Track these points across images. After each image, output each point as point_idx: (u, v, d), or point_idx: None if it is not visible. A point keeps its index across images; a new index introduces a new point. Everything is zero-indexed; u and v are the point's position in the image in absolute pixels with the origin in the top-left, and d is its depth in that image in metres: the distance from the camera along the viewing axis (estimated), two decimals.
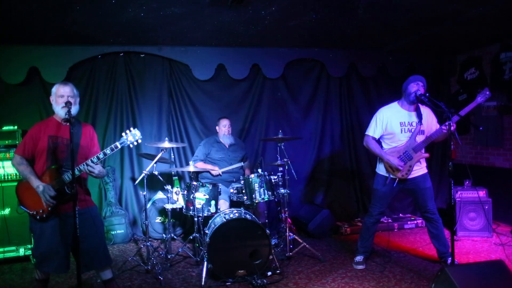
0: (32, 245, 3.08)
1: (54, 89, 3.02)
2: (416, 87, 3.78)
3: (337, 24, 4.55)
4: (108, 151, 2.91)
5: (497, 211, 5.20)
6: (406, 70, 6.00)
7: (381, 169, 4.02)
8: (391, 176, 3.90)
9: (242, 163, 4.97)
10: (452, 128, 3.38)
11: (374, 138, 3.99)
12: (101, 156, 2.91)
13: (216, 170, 4.80)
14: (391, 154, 3.88)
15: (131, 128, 3.00)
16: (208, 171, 4.87)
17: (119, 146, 2.92)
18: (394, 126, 3.88)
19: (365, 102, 6.12)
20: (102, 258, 3.11)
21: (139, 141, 2.99)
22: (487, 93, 3.66)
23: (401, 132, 3.88)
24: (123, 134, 2.98)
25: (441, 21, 4.51)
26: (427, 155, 3.90)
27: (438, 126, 3.91)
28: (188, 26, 4.46)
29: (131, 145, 2.99)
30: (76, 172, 2.89)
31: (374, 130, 3.97)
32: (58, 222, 2.94)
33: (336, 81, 6.04)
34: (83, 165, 2.90)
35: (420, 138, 3.87)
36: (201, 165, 4.86)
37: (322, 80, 6.02)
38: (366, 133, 4.05)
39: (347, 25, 4.57)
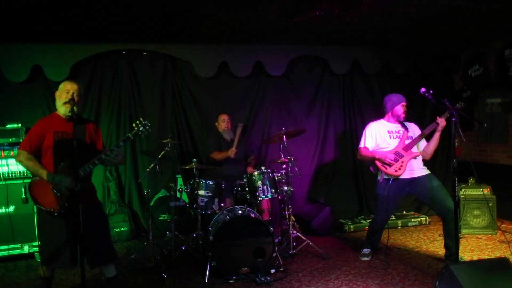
0: (39, 242, 3.07)
1: (61, 85, 3.04)
2: (402, 109, 4.04)
3: (341, 21, 4.53)
4: (121, 143, 2.94)
5: (501, 208, 5.18)
6: (410, 67, 5.99)
7: (379, 176, 4.08)
8: (385, 176, 3.98)
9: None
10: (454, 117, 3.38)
11: (366, 148, 4.13)
12: (114, 148, 2.92)
13: (232, 150, 4.77)
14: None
15: (141, 119, 2.97)
16: (227, 156, 4.81)
17: (132, 137, 2.93)
18: (383, 134, 4.09)
19: (369, 99, 6.10)
20: (107, 254, 3.11)
21: (149, 130, 2.96)
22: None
23: (390, 138, 4.07)
24: (134, 124, 2.97)
25: (445, 17, 4.48)
26: (418, 153, 3.98)
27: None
28: (191, 23, 4.45)
29: (142, 135, 2.98)
30: (89, 168, 2.91)
31: (365, 142, 4.15)
32: (68, 219, 2.94)
33: (340, 78, 6.02)
34: (108, 151, 2.88)
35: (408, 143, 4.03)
36: (217, 155, 4.88)
37: (325, 77, 6.00)
38: (359, 146, 4.20)
39: (350, 21, 4.55)
